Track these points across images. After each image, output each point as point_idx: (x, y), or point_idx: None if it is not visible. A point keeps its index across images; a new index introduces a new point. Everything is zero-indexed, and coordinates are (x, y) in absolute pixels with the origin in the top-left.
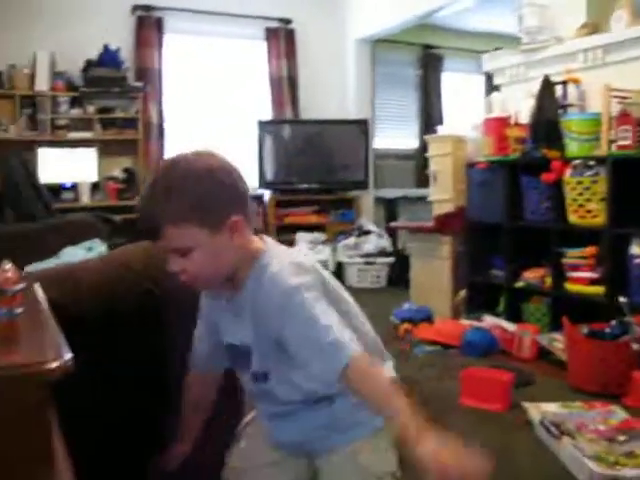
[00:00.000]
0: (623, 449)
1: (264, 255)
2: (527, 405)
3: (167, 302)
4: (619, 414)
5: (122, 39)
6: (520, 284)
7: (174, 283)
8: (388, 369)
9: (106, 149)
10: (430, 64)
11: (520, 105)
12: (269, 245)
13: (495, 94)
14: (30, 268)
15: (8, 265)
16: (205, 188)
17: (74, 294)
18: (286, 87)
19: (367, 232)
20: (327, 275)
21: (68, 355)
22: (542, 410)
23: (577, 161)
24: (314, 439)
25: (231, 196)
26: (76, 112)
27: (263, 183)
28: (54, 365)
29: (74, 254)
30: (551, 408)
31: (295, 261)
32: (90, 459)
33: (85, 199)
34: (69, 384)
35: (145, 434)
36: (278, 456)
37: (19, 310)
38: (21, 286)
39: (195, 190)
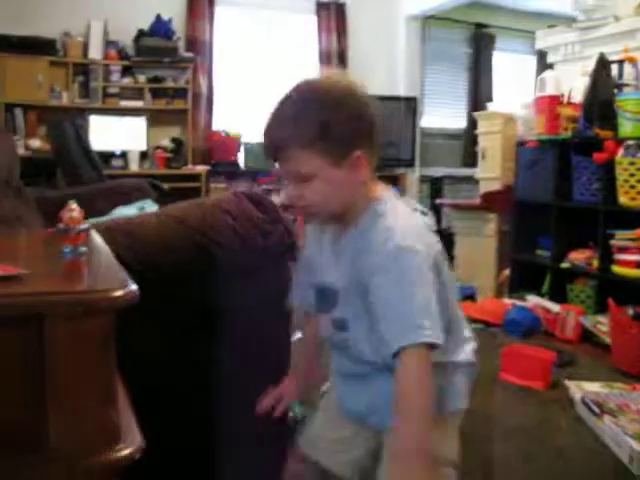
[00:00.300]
0: None
1: (382, 203)
2: (568, 383)
3: (222, 259)
4: None
5: (174, 10)
6: (566, 265)
7: (228, 240)
8: (466, 352)
9: (155, 118)
10: (481, 43)
11: (573, 84)
12: (390, 195)
13: (548, 72)
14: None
15: (74, 205)
16: (335, 118)
17: (128, 246)
18: (335, 62)
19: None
20: (439, 244)
21: (133, 286)
22: (584, 389)
23: (630, 141)
24: (381, 412)
25: (359, 130)
26: (127, 81)
27: None
28: (120, 293)
29: (127, 213)
30: (593, 387)
31: (415, 223)
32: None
33: (134, 167)
34: (124, 331)
35: (193, 378)
36: (350, 430)
37: (83, 249)
38: (85, 226)
39: (325, 118)
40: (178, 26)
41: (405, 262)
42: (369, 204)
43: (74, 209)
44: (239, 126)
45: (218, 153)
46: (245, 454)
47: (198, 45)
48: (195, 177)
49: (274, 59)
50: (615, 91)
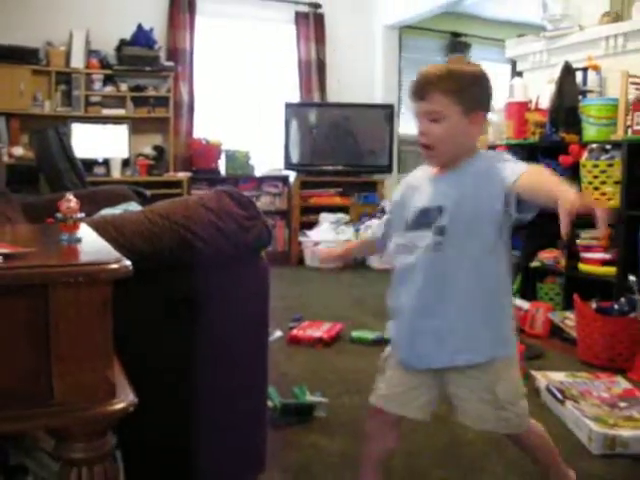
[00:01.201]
0: (623, 413)
1: (486, 152)
2: (535, 373)
3: (208, 255)
4: (622, 384)
5: (155, 20)
6: (535, 264)
7: (210, 235)
8: None
9: (137, 126)
10: (457, 51)
11: (541, 90)
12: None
13: (517, 79)
14: None
15: (71, 196)
16: (474, 80)
17: (116, 239)
18: (314, 71)
19: None
20: None
21: (127, 261)
22: (549, 378)
23: (594, 145)
24: (451, 350)
25: (487, 96)
26: (109, 89)
27: (289, 164)
28: (116, 266)
29: (112, 213)
30: (558, 377)
31: None
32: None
33: (116, 174)
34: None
35: (175, 363)
36: (414, 381)
37: (79, 236)
38: (82, 215)
39: (467, 78)
40: (159, 35)
41: (510, 157)
42: (475, 152)
43: (71, 200)
44: (220, 133)
45: (199, 160)
46: (222, 438)
47: (179, 54)
48: (177, 184)
49: (254, 68)
50: (580, 97)
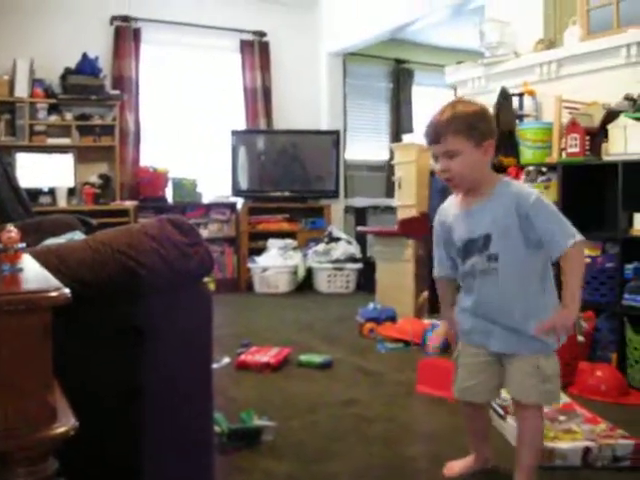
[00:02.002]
0: (562, 427)
1: (504, 179)
2: None
3: (149, 282)
4: (563, 398)
5: (100, 48)
6: None
7: (152, 262)
8: None
9: (83, 155)
10: (401, 78)
11: None
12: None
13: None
14: None
15: (12, 226)
16: (477, 116)
17: (58, 268)
18: (260, 98)
19: (337, 239)
20: None
21: (66, 289)
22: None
23: (531, 167)
24: (511, 342)
25: (491, 128)
26: (54, 118)
27: (236, 191)
28: (55, 294)
29: (56, 243)
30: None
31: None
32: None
33: (62, 203)
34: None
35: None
36: (483, 374)
37: (21, 266)
38: (23, 245)
39: (470, 116)
40: (105, 64)
41: (545, 200)
42: (497, 179)
43: (11, 230)
44: (166, 161)
45: (146, 188)
46: (169, 465)
47: (125, 82)
48: (124, 212)
49: (200, 96)
50: (516, 122)
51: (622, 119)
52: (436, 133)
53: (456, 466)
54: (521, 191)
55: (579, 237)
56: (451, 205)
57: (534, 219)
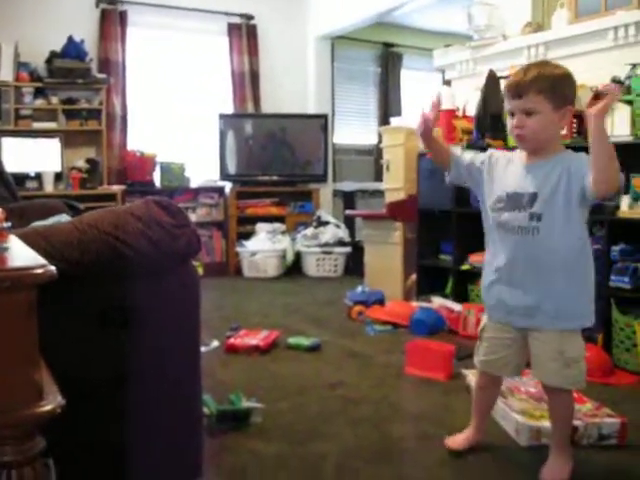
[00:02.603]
0: None
1: (568, 150)
2: (466, 372)
3: (136, 263)
4: None
5: (86, 31)
6: (466, 267)
7: (139, 243)
8: None
9: (69, 139)
10: (389, 62)
11: (468, 98)
12: None
13: (445, 87)
14: None
15: None
16: (562, 80)
17: (45, 249)
18: (248, 82)
19: (325, 223)
20: None
21: (52, 267)
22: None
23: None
24: (530, 309)
25: (573, 94)
26: (40, 102)
27: (224, 175)
28: (40, 271)
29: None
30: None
31: None
32: None
33: (49, 188)
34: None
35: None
36: (507, 349)
37: (6, 245)
38: (8, 224)
39: (556, 79)
40: (90, 47)
41: None
42: (561, 146)
43: None
44: (154, 146)
45: (133, 173)
46: (158, 445)
47: (111, 66)
48: (111, 197)
49: (187, 79)
50: (504, 104)
51: None
52: (518, 88)
53: (459, 438)
54: (574, 154)
55: None
56: (505, 156)
57: (578, 166)
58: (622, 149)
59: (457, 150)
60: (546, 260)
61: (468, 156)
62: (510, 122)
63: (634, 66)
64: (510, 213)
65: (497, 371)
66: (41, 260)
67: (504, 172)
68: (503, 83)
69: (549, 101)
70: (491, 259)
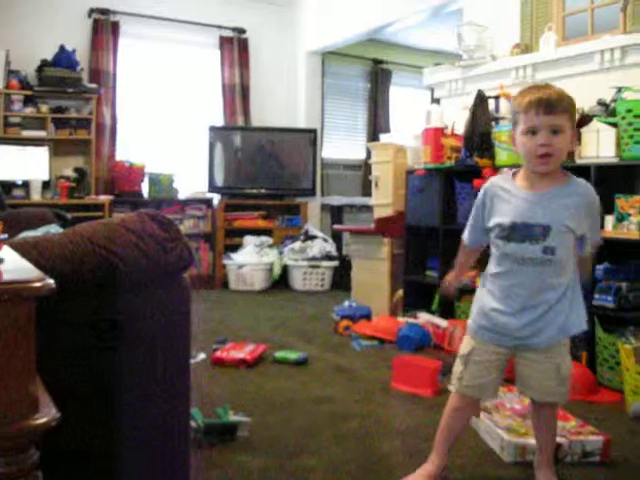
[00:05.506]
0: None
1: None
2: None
3: (129, 276)
4: None
5: (78, 41)
6: None
7: (132, 256)
8: None
9: (58, 148)
10: (379, 78)
11: (457, 117)
12: None
13: (433, 106)
14: None
15: None
16: (574, 104)
17: (37, 261)
18: (238, 95)
19: (313, 237)
20: None
21: (50, 280)
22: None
23: (505, 169)
24: (536, 330)
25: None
26: (29, 111)
27: (213, 187)
28: (39, 284)
29: (33, 235)
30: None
31: None
32: None
33: (36, 196)
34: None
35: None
36: (494, 373)
37: (1, 256)
38: (4, 236)
39: (572, 102)
40: (82, 57)
41: (599, 202)
42: (566, 172)
43: None
44: (143, 156)
45: (122, 183)
46: (145, 459)
47: (102, 76)
48: (99, 207)
49: (178, 91)
50: (492, 124)
51: (595, 123)
52: (549, 104)
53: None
54: (591, 189)
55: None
56: (507, 181)
57: (591, 215)
58: (607, 170)
59: (466, 238)
60: (555, 288)
61: (472, 222)
62: (528, 141)
63: (619, 89)
64: (519, 245)
65: (483, 394)
66: (39, 273)
67: (507, 201)
68: (491, 103)
69: (570, 122)
70: (493, 284)
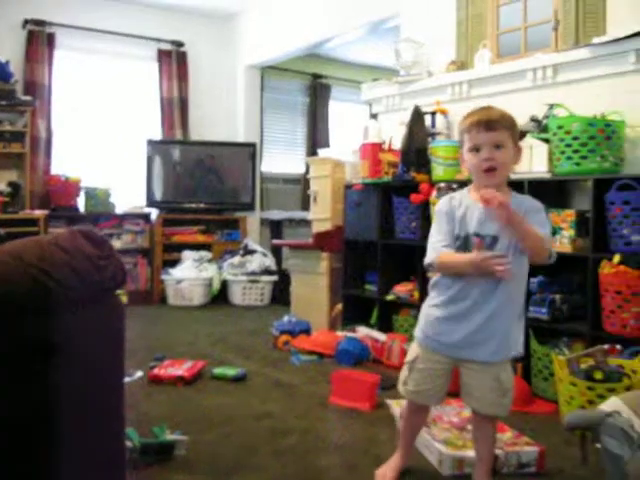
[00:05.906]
0: (471, 436)
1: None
2: (390, 402)
3: (61, 296)
4: None
5: (12, 52)
6: (391, 297)
7: (64, 275)
8: None
9: None
10: (318, 93)
11: (394, 132)
12: None
13: (371, 121)
14: None
15: None
16: (515, 122)
17: None
18: (177, 108)
19: (252, 251)
20: None
21: None
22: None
23: (442, 184)
24: (478, 343)
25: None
26: None
27: (151, 202)
28: None
29: None
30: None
31: None
32: None
33: None
34: None
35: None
36: (439, 380)
37: None
38: None
39: (513, 120)
40: (16, 69)
41: (544, 212)
42: (507, 188)
43: None
44: (79, 170)
45: (57, 197)
46: None
47: (37, 88)
48: (33, 221)
49: (115, 104)
50: (429, 139)
51: (528, 139)
52: (490, 122)
53: (388, 471)
54: (535, 201)
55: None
56: (464, 196)
57: (531, 219)
58: (539, 185)
59: (443, 249)
60: (502, 300)
61: (445, 231)
62: (474, 158)
63: (551, 106)
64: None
65: (427, 401)
66: None
67: (465, 212)
68: (428, 118)
69: (511, 138)
70: (441, 294)
